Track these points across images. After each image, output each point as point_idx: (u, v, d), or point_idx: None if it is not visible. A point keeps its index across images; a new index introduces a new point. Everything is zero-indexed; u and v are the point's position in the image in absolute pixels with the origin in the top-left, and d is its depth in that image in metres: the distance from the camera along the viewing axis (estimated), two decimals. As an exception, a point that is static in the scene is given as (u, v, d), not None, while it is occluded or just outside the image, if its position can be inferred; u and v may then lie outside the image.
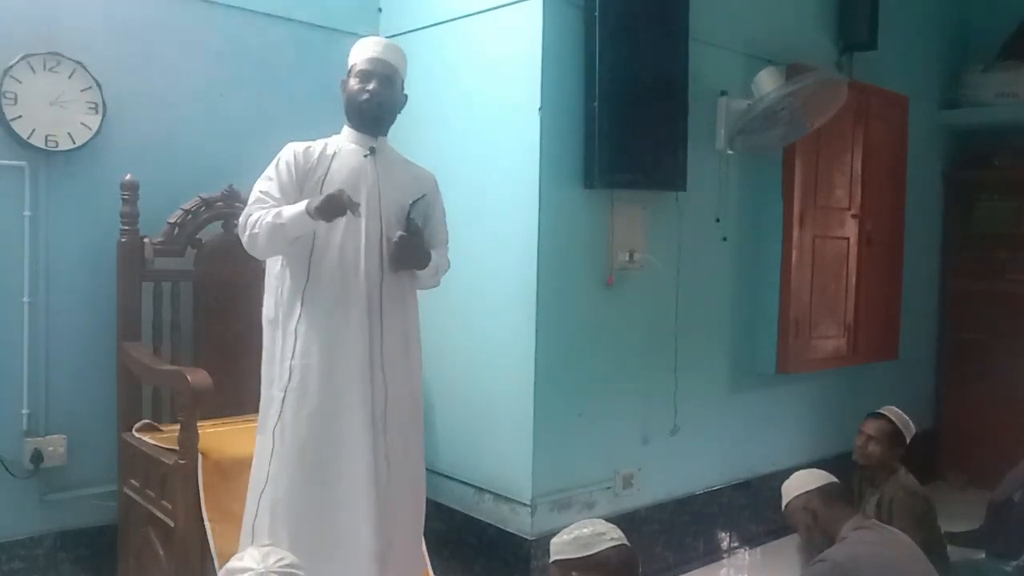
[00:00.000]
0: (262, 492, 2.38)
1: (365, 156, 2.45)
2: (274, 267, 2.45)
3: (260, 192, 2.39)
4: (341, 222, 2.34)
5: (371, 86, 2.43)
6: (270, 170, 2.42)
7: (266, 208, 2.34)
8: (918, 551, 2.33)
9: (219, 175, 3.09)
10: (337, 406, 2.36)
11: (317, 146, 2.46)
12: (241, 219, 2.39)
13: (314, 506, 2.36)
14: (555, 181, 3.02)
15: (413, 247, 2.44)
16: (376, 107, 2.45)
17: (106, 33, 2.98)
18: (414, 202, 2.46)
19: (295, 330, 2.36)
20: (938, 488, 4.59)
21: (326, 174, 2.40)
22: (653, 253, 3.32)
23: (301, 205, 2.28)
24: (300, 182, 2.40)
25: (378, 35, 3.61)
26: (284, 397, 2.37)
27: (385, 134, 2.53)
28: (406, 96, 2.56)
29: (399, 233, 2.42)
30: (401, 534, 2.46)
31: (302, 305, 2.37)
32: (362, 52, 2.48)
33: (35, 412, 2.89)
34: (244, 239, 2.38)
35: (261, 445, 2.43)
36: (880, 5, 4.08)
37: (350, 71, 2.49)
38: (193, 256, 3.08)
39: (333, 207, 2.24)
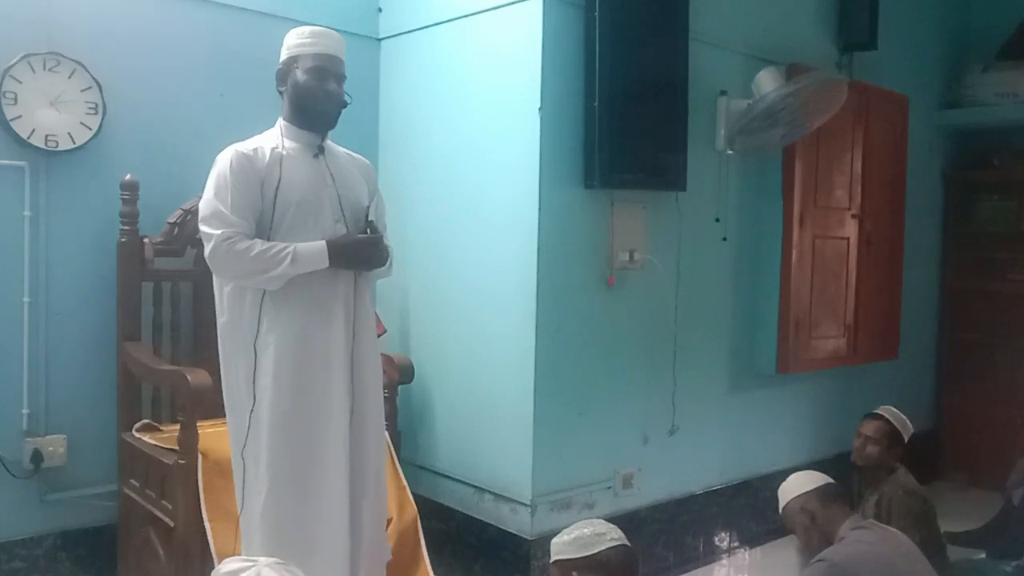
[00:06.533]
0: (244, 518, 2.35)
1: (315, 156, 2.36)
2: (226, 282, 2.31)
3: (224, 212, 2.21)
4: (308, 231, 2.27)
5: (330, 86, 2.33)
6: (224, 182, 2.24)
7: (236, 233, 2.19)
8: (916, 551, 2.33)
9: (219, 175, 3.09)
10: (313, 417, 2.29)
11: (262, 146, 2.31)
12: (219, 245, 2.18)
13: (292, 520, 2.29)
14: (555, 181, 3.02)
15: (377, 247, 2.36)
16: (337, 111, 2.35)
17: (106, 33, 2.98)
18: (370, 204, 2.41)
19: (255, 347, 2.25)
20: (938, 488, 4.58)
21: (279, 179, 2.27)
22: (653, 253, 3.32)
23: (318, 248, 2.22)
24: (256, 188, 2.26)
25: (378, 35, 3.63)
26: (251, 418, 2.27)
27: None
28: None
29: (360, 236, 2.32)
30: (370, 531, 2.42)
31: (260, 320, 2.25)
32: (312, 45, 2.33)
33: (35, 412, 2.89)
34: (232, 268, 2.20)
35: (236, 468, 2.35)
36: (880, 5, 4.08)
37: (292, 62, 2.34)
38: (193, 256, 3.07)
39: (363, 257, 2.30)
